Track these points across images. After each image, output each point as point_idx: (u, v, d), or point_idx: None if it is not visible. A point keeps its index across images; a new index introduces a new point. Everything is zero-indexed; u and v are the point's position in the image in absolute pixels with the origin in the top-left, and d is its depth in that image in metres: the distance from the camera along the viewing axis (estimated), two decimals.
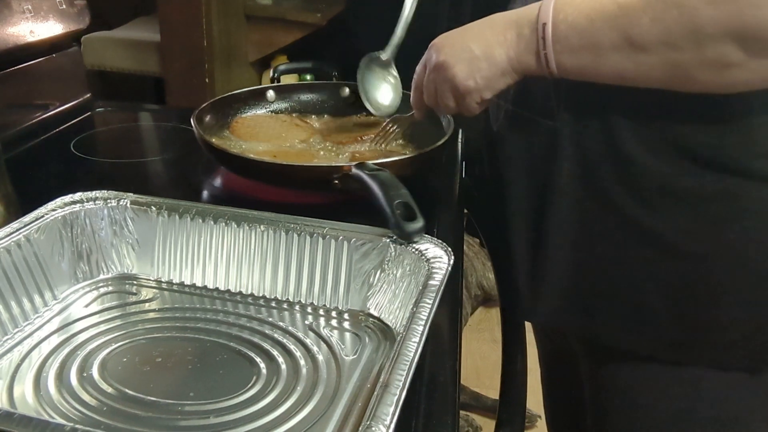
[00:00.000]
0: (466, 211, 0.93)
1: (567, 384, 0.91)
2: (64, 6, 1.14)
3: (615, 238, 0.69)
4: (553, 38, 0.62)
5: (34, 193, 0.79)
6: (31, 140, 1.05)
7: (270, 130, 1.01)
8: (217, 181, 0.94)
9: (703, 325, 0.68)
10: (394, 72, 0.99)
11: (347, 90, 1.11)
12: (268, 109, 1.09)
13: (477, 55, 0.68)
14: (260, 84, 2.08)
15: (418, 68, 0.78)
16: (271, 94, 1.09)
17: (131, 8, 2.26)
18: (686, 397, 0.71)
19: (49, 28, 1.11)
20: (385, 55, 0.98)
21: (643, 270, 0.69)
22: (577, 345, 0.82)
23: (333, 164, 0.84)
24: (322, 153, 0.96)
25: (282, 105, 1.11)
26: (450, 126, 0.92)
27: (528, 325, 0.79)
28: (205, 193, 0.92)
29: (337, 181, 0.80)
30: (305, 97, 1.12)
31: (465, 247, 0.97)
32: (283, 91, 1.11)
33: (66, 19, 1.15)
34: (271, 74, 1.18)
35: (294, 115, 1.10)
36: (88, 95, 1.23)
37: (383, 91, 1.00)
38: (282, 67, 1.17)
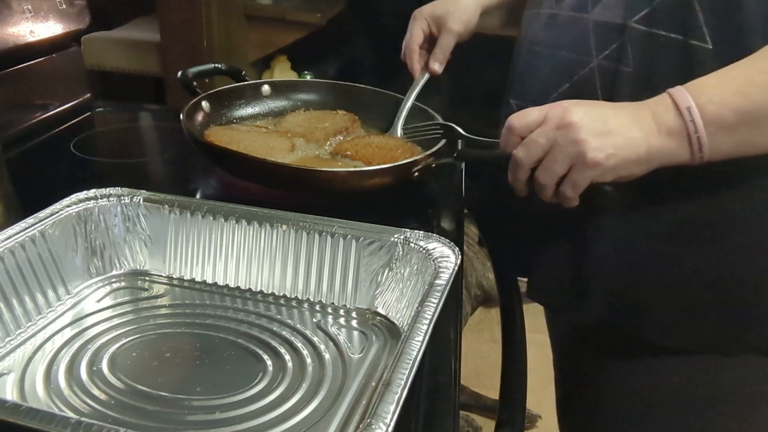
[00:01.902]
0: (466, 211, 0.93)
1: (584, 381, 0.90)
2: (64, 6, 1.14)
3: (661, 232, 0.70)
4: (703, 120, 0.60)
5: (34, 193, 0.80)
6: (31, 140, 1.06)
7: (252, 142, 0.94)
8: (217, 181, 0.94)
9: (751, 315, 0.69)
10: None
11: (267, 87, 1.07)
12: (221, 121, 1.02)
13: (612, 129, 0.62)
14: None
15: (530, 117, 0.67)
16: (205, 104, 1.00)
17: (131, 8, 2.27)
18: (728, 382, 0.74)
19: (49, 28, 1.11)
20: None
21: (690, 263, 0.69)
22: (605, 339, 0.82)
23: (410, 159, 0.84)
24: (334, 155, 0.94)
25: (224, 114, 1.03)
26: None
27: (529, 326, 0.78)
28: (206, 193, 0.92)
29: (417, 174, 0.84)
30: (238, 102, 1.04)
31: (465, 247, 0.97)
32: (215, 99, 1.01)
33: (66, 19, 1.15)
34: (179, 76, 1.01)
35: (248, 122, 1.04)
36: (88, 95, 1.23)
37: None
38: (193, 70, 1.03)
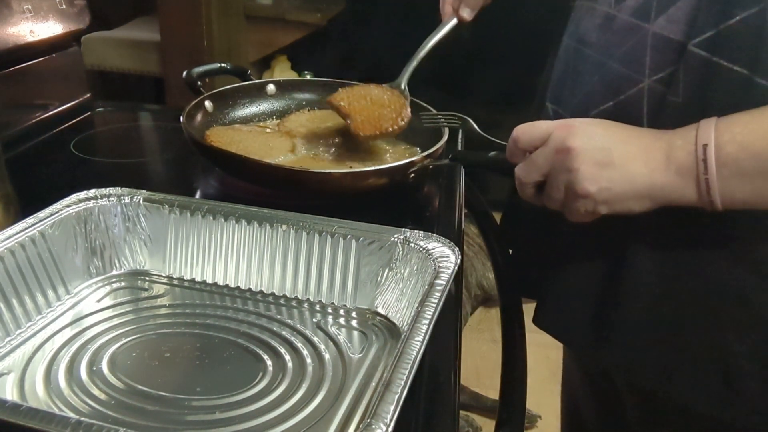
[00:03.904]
0: (466, 211, 0.93)
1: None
2: (64, 6, 1.14)
3: (703, 294, 0.62)
4: (717, 161, 0.53)
5: (34, 193, 0.81)
6: (31, 140, 1.06)
7: (252, 142, 0.94)
8: (217, 181, 0.94)
9: None
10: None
11: (272, 86, 1.07)
12: (224, 121, 1.02)
13: (612, 160, 0.57)
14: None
15: (534, 132, 0.63)
16: (209, 104, 0.99)
17: (131, 8, 2.28)
18: None
19: (49, 28, 1.11)
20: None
21: (733, 331, 0.62)
22: (628, 393, 0.76)
23: (407, 161, 0.84)
24: (337, 157, 0.94)
25: (227, 113, 1.03)
26: (446, 128, 0.93)
27: (529, 326, 0.78)
28: (206, 193, 0.91)
29: (413, 175, 0.84)
30: (242, 102, 1.05)
31: (465, 247, 0.96)
32: (219, 99, 1.02)
33: (66, 19, 1.15)
34: (184, 75, 1.01)
35: (251, 123, 1.04)
36: (88, 95, 1.23)
37: None
38: (198, 70, 1.02)
